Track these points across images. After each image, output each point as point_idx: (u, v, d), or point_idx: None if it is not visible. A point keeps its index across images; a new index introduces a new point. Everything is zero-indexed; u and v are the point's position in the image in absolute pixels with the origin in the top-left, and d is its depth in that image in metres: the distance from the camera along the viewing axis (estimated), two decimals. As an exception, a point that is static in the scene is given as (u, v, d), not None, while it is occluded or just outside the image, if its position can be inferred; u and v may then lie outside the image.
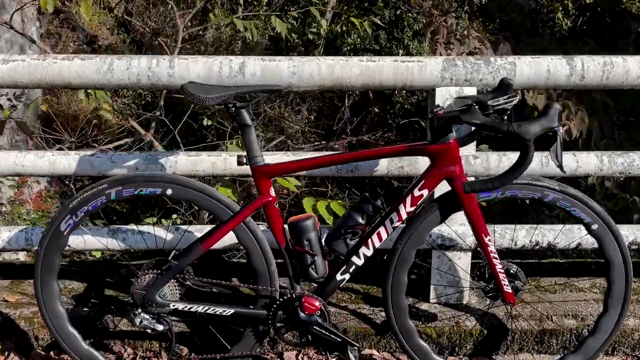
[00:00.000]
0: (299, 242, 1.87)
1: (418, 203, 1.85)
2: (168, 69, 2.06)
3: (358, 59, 2.06)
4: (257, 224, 1.94)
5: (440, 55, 3.40)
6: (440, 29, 3.46)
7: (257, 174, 1.85)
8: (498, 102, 1.74)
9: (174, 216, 4.16)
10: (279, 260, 1.92)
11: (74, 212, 1.87)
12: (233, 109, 1.79)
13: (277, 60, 2.06)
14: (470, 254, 2.22)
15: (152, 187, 1.86)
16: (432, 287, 2.26)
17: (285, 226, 1.90)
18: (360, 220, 1.86)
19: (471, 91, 2.09)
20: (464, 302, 2.27)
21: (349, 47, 6.84)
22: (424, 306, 2.26)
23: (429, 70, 2.07)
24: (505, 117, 1.73)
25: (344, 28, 4.07)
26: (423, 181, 1.83)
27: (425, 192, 1.84)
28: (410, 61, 2.07)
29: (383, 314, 2.22)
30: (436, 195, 1.93)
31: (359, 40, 6.50)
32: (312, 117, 7.39)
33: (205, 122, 4.00)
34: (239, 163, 1.85)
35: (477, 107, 1.74)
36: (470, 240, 2.16)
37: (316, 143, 6.94)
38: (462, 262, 2.22)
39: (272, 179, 1.87)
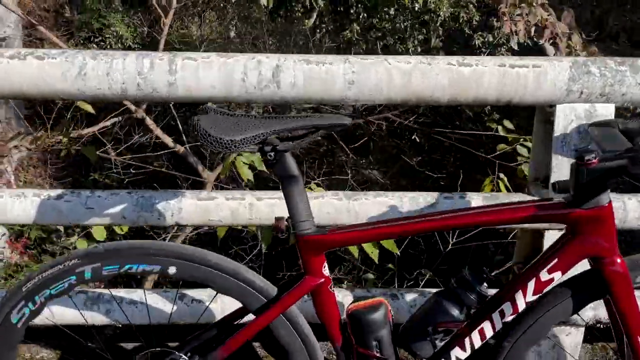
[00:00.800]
0: (364, 342, 1.27)
1: (544, 290, 1.25)
2: (167, 74, 1.39)
3: (447, 62, 1.40)
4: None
5: (511, 30, 2.72)
6: (502, -5, 2.80)
7: (304, 247, 1.22)
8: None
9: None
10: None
11: (30, 297, 1.25)
12: (272, 153, 1.15)
13: (327, 63, 1.40)
14: (583, 330, 1.63)
15: (147, 262, 1.24)
16: (526, 368, 1.68)
17: (344, 316, 1.30)
18: (458, 315, 1.26)
19: (607, 111, 1.45)
20: (567, 389, 1.70)
21: (355, 7, 6.11)
22: (514, 393, 1.69)
23: (551, 79, 1.42)
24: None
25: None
26: (556, 260, 1.22)
27: (557, 276, 1.23)
28: (522, 66, 1.41)
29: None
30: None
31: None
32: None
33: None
34: (279, 230, 1.23)
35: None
36: (590, 314, 1.57)
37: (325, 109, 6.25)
38: (570, 339, 1.63)
39: (326, 252, 1.25)
